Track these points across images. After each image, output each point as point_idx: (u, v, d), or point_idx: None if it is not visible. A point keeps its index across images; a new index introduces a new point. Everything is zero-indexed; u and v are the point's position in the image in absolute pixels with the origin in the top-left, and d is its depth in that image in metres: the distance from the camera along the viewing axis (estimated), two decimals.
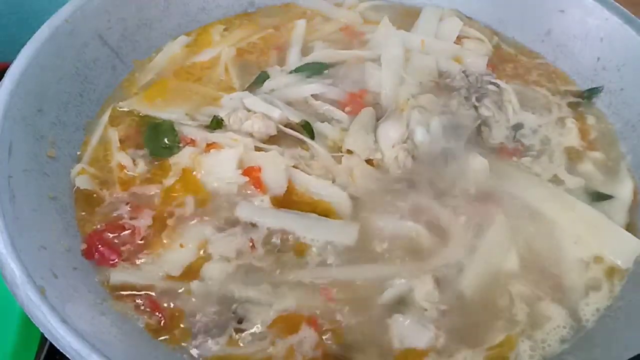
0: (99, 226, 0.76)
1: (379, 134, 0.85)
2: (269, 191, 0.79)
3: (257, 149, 0.82)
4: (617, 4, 0.95)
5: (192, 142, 0.84)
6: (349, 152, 0.83)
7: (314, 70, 0.95)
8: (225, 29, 1.04)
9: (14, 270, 0.62)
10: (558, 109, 0.95)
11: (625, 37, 0.93)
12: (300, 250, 0.75)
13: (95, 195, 0.79)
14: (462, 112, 0.89)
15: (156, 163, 0.83)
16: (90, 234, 0.76)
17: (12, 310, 0.72)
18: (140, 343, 0.68)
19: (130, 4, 0.94)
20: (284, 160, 0.81)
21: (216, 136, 0.84)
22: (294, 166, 0.81)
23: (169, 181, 0.81)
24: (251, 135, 0.84)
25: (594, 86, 0.97)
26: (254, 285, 0.72)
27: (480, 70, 0.97)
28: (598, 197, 0.84)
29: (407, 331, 0.69)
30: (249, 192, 0.79)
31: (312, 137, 0.85)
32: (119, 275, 0.72)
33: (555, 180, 0.85)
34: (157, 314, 0.70)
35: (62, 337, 0.59)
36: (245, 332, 0.69)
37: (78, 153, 0.84)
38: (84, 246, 0.74)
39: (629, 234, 0.79)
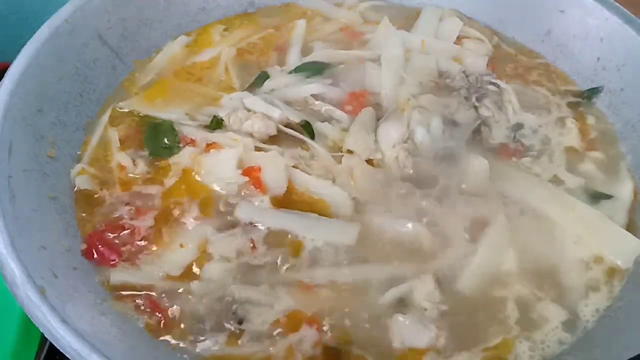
0: (99, 226, 0.76)
1: (379, 134, 0.85)
2: (269, 191, 0.79)
3: (257, 149, 0.82)
4: (617, 4, 0.95)
5: (192, 142, 0.84)
6: (349, 152, 0.83)
7: (314, 69, 0.95)
8: (225, 29, 1.04)
9: (14, 270, 0.62)
10: (558, 109, 0.95)
11: (625, 37, 0.93)
12: (300, 250, 0.75)
13: (95, 195, 0.79)
14: (462, 112, 0.89)
15: (156, 163, 0.83)
16: (90, 234, 0.76)
17: (12, 310, 0.72)
18: (140, 343, 0.68)
19: (130, 4, 0.94)
20: (284, 160, 0.81)
21: (216, 136, 0.84)
22: (294, 166, 0.81)
23: (169, 181, 0.81)
24: (251, 135, 0.84)
25: (594, 86, 0.97)
26: (254, 285, 0.72)
27: (480, 70, 0.97)
28: (598, 197, 0.84)
29: (407, 331, 0.69)
30: (249, 192, 0.79)
31: (312, 137, 0.85)
32: (119, 275, 0.72)
33: (555, 180, 0.85)
34: (157, 314, 0.70)
35: (62, 337, 0.59)
36: (245, 332, 0.69)
37: (78, 153, 0.84)
38: (84, 246, 0.74)
39: (629, 234, 0.79)
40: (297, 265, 0.74)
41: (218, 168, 0.80)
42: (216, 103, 0.90)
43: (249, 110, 0.87)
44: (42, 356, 0.74)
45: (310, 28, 1.05)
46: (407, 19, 1.06)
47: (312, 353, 0.68)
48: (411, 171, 0.83)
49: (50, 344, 0.64)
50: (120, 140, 0.85)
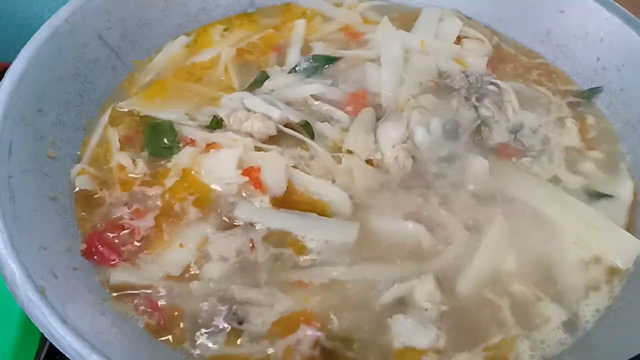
0: (99, 226, 0.76)
1: (379, 134, 0.85)
2: (269, 191, 0.79)
3: (257, 149, 0.82)
4: (617, 4, 0.95)
5: (192, 142, 0.84)
6: (349, 152, 0.83)
7: (326, 60, 0.95)
8: (225, 29, 1.04)
9: (14, 270, 0.62)
10: (558, 109, 0.95)
11: (625, 37, 0.93)
12: (300, 250, 0.75)
13: (95, 195, 0.79)
14: (462, 113, 0.89)
15: (156, 163, 0.83)
16: (90, 234, 0.76)
17: (12, 310, 0.72)
18: (140, 343, 0.68)
19: (130, 4, 0.94)
20: (283, 160, 0.81)
21: (216, 136, 0.84)
22: (293, 166, 0.81)
23: (168, 181, 0.81)
24: (251, 135, 0.84)
25: (594, 86, 0.97)
26: (254, 285, 0.72)
27: (480, 71, 0.97)
28: (598, 197, 0.84)
29: (408, 331, 0.69)
30: (248, 192, 0.79)
31: (312, 137, 0.85)
32: (119, 275, 0.72)
33: (555, 180, 0.85)
34: (157, 314, 0.70)
35: (62, 337, 0.59)
36: (245, 333, 0.69)
37: (78, 153, 0.84)
38: (84, 246, 0.74)
39: (629, 234, 0.79)
40: (297, 265, 0.74)
41: (218, 168, 0.80)
42: (216, 103, 0.90)
43: (248, 110, 0.86)
44: (42, 356, 0.74)
45: (310, 28, 1.05)
46: (407, 19, 1.06)
47: (311, 353, 0.68)
48: (411, 171, 0.83)
49: (50, 344, 0.64)
50: (120, 140, 0.85)
